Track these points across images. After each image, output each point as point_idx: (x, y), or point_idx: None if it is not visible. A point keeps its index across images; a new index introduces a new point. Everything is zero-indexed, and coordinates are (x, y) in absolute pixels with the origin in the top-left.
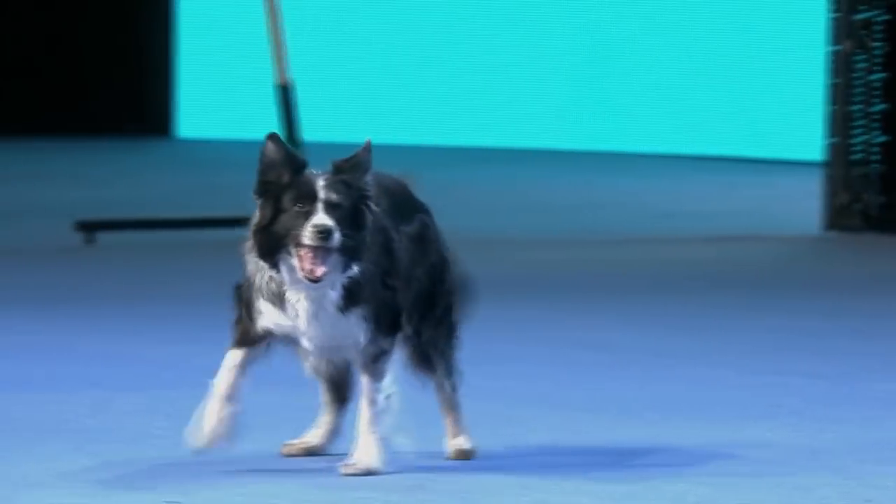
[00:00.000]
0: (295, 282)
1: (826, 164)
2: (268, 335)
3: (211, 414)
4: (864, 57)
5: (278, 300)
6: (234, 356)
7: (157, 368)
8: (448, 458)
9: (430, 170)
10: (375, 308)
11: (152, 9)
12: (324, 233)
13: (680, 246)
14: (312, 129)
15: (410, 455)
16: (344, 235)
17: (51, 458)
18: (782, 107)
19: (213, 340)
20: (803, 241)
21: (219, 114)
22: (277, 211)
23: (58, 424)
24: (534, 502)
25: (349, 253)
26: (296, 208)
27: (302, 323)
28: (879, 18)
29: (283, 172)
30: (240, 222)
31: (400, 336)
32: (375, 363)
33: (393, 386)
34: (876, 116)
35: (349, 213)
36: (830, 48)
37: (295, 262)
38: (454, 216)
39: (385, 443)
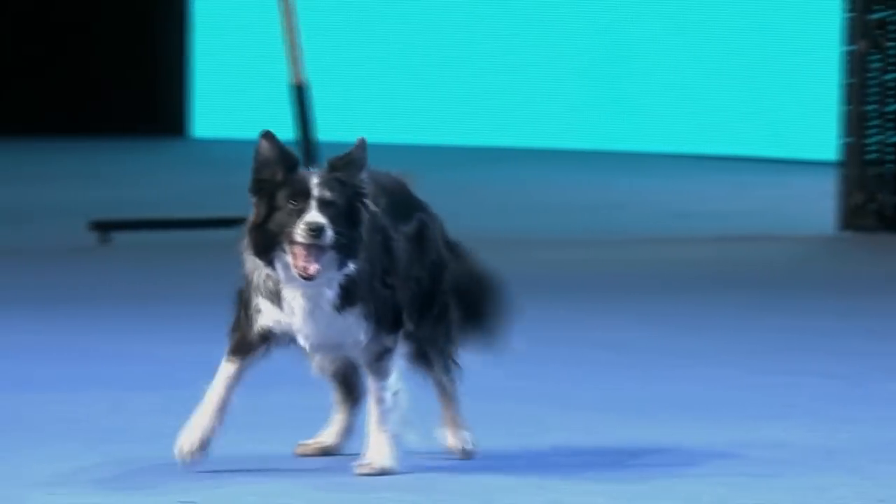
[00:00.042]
0: (290, 279)
1: (841, 164)
2: (267, 336)
3: (199, 425)
4: (878, 57)
5: (276, 298)
6: (229, 369)
7: (172, 368)
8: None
9: (446, 170)
10: (375, 306)
11: (167, 9)
12: (316, 230)
13: (694, 246)
14: (327, 129)
15: (423, 454)
16: (337, 233)
17: (64, 457)
18: (797, 107)
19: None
20: (818, 240)
21: (233, 114)
22: (272, 209)
23: (71, 424)
24: (548, 502)
25: (344, 250)
26: (289, 206)
27: (298, 321)
28: (894, 18)
29: (277, 170)
30: None
31: (402, 333)
32: (380, 361)
33: (399, 383)
34: (890, 116)
35: (343, 211)
36: (845, 48)
37: (289, 259)
38: (470, 216)
39: (396, 441)
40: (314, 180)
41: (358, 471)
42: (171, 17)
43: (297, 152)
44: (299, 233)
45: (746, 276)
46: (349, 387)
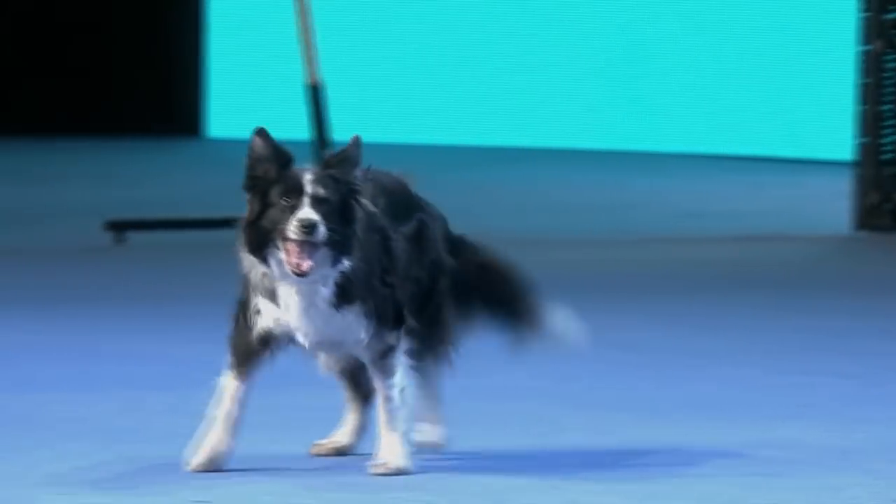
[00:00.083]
0: (284, 275)
1: (856, 164)
2: (267, 339)
3: (211, 443)
4: (894, 57)
5: (273, 296)
6: (232, 384)
7: (187, 368)
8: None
9: (462, 170)
10: (375, 304)
11: (182, 8)
12: (308, 227)
13: (709, 246)
14: (343, 129)
15: (437, 454)
16: (331, 230)
17: (78, 456)
18: (813, 106)
19: None
20: (833, 240)
21: (249, 114)
22: (265, 205)
23: (84, 424)
24: (564, 502)
25: (338, 247)
26: (282, 203)
27: (294, 318)
28: None
29: (270, 167)
30: None
31: (405, 329)
32: (384, 359)
33: (405, 380)
34: None
35: (337, 208)
36: (861, 48)
37: (283, 255)
38: (486, 216)
39: (407, 438)
40: (307, 177)
41: (372, 471)
42: (187, 17)
43: (290, 149)
44: (292, 229)
45: (761, 276)
46: (358, 385)
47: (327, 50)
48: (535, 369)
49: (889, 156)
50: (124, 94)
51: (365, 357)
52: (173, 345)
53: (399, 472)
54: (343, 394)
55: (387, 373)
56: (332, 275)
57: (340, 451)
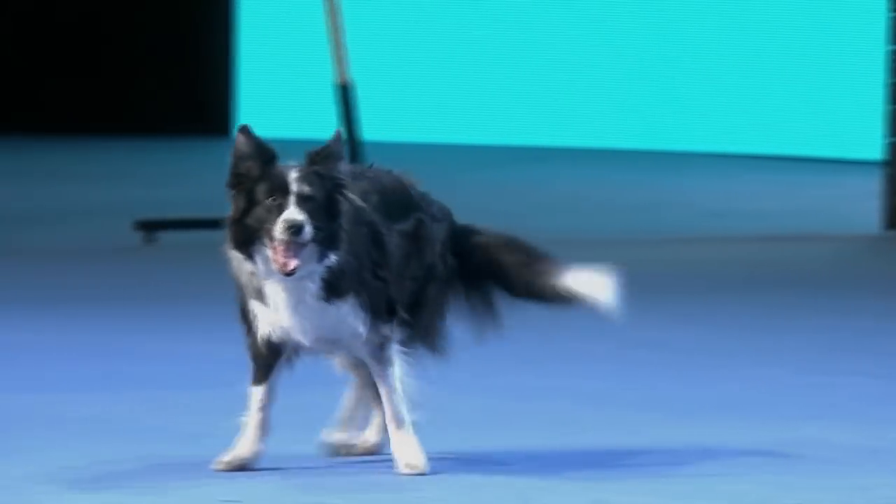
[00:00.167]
0: (270, 273)
1: (886, 164)
2: (271, 343)
3: (239, 442)
4: None
5: (262, 296)
6: (253, 390)
7: (217, 367)
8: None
9: (490, 169)
10: (368, 297)
11: (212, 8)
12: (293, 227)
13: (738, 245)
14: (372, 129)
15: (461, 455)
16: (317, 228)
17: (107, 456)
18: (844, 106)
19: None
20: (863, 240)
21: (279, 113)
22: (250, 203)
23: (112, 423)
24: (592, 502)
25: (325, 243)
26: (268, 201)
27: (285, 317)
28: None
29: (254, 165)
30: None
31: (397, 321)
32: (382, 351)
33: (402, 370)
34: None
35: (322, 204)
36: (890, 47)
37: (269, 253)
38: (513, 215)
39: (415, 429)
40: (292, 175)
41: (397, 469)
42: (217, 17)
43: (273, 146)
44: (278, 230)
45: (789, 276)
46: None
47: (357, 49)
48: (560, 368)
49: None
50: (154, 94)
51: (363, 351)
52: (203, 344)
53: (419, 472)
54: (365, 393)
55: (386, 364)
56: (319, 270)
57: (369, 451)
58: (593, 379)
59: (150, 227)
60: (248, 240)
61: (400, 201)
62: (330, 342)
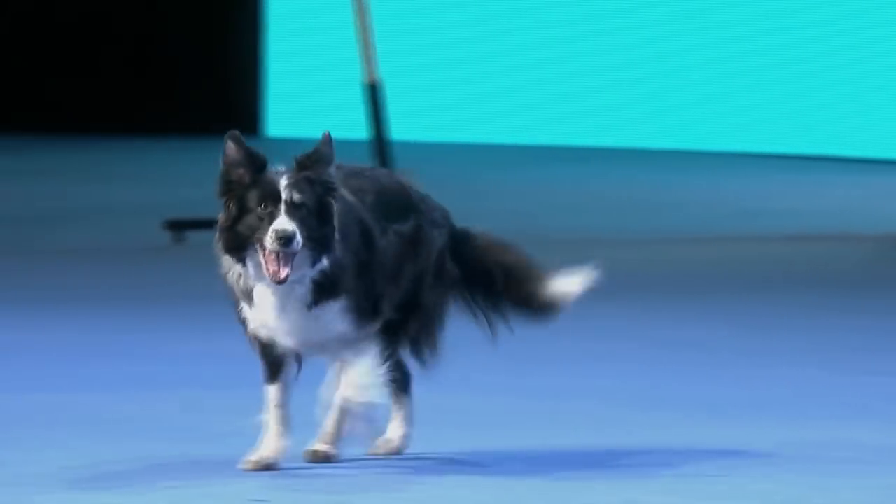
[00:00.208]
0: (261, 278)
1: None
2: (262, 343)
3: (263, 442)
4: None
5: (250, 297)
6: (272, 391)
7: (247, 367)
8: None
9: (520, 169)
10: (355, 298)
11: (241, 8)
12: (284, 238)
13: (769, 245)
14: (401, 128)
15: (495, 455)
16: (308, 236)
17: (136, 455)
18: (877, 106)
19: None
20: (892, 240)
21: (308, 113)
22: (242, 211)
23: (146, 422)
24: (624, 501)
25: (317, 248)
26: (259, 209)
27: (270, 319)
28: None
29: (244, 172)
30: None
31: (383, 320)
32: (368, 348)
33: (383, 358)
34: None
35: (314, 210)
36: None
37: (261, 259)
38: (545, 215)
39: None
40: (283, 182)
41: (377, 450)
42: (245, 17)
43: (263, 153)
44: (269, 240)
45: (822, 276)
46: (401, 387)
47: (386, 49)
48: (595, 369)
49: None
50: (183, 94)
51: (349, 353)
52: (233, 343)
53: (400, 451)
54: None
55: (374, 359)
56: (311, 274)
57: (394, 451)
58: (628, 379)
59: (179, 227)
60: (240, 246)
61: (398, 202)
62: (317, 345)
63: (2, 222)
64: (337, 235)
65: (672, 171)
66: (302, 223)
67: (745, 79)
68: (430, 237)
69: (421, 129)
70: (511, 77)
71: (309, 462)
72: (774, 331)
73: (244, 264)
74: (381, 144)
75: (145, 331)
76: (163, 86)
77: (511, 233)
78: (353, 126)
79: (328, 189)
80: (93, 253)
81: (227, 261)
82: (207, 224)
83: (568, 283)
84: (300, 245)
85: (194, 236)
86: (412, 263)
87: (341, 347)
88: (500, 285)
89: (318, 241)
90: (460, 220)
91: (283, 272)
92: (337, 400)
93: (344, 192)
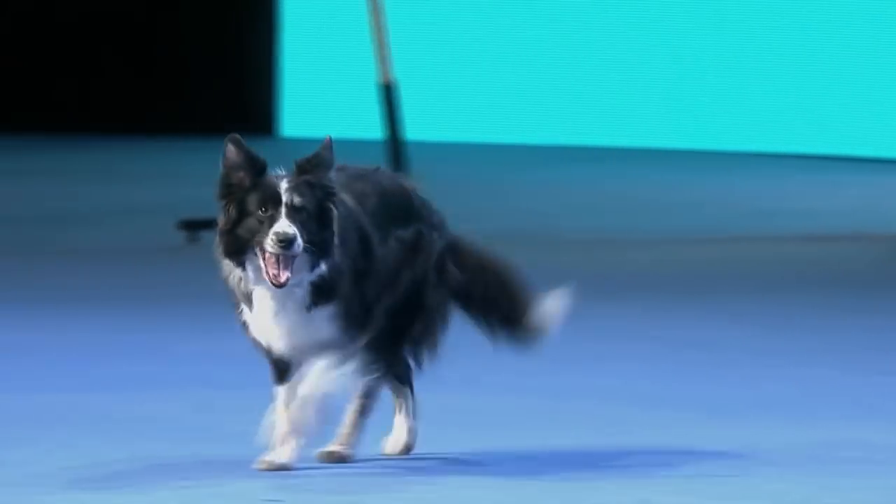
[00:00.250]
0: (260, 281)
1: None
2: (262, 346)
3: (283, 444)
4: None
5: (249, 300)
6: (282, 392)
7: (259, 367)
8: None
9: (535, 169)
10: (348, 304)
11: (255, 7)
12: (284, 241)
13: (783, 245)
14: (416, 129)
15: (505, 455)
16: (309, 238)
17: (152, 455)
18: (886, 105)
19: None
20: None
21: (322, 113)
22: (242, 214)
23: (157, 422)
24: (636, 500)
25: (316, 253)
26: (260, 213)
27: (264, 322)
28: None
29: (244, 175)
30: None
31: (372, 326)
32: (354, 356)
33: (372, 368)
34: None
35: (314, 214)
36: None
37: (260, 262)
38: (559, 216)
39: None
40: (283, 185)
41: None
42: (260, 16)
43: (263, 156)
44: (269, 243)
45: (835, 276)
46: (402, 381)
47: (400, 49)
48: (605, 368)
49: None
50: (198, 94)
51: (336, 357)
52: (244, 344)
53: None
54: (364, 402)
55: (334, 366)
56: (309, 278)
57: (404, 451)
58: (639, 378)
59: (194, 227)
60: (240, 250)
61: (400, 206)
62: (306, 349)
63: (15, 223)
64: (336, 240)
65: (687, 171)
66: (302, 227)
67: (760, 79)
68: (431, 241)
69: (436, 130)
70: (526, 77)
71: (324, 463)
72: (787, 331)
73: (244, 268)
74: (395, 145)
75: (157, 331)
76: (177, 85)
77: (525, 232)
78: (367, 126)
79: (328, 193)
80: (107, 253)
81: (227, 265)
82: None
83: (547, 307)
84: (301, 248)
85: (208, 236)
86: (411, 269)
87: (328, 352)
88: (479, 306)
89: (318, 245)
90: (473, 220)
91: (283, 275)
92: (299, 391)
93: (345, 196)
